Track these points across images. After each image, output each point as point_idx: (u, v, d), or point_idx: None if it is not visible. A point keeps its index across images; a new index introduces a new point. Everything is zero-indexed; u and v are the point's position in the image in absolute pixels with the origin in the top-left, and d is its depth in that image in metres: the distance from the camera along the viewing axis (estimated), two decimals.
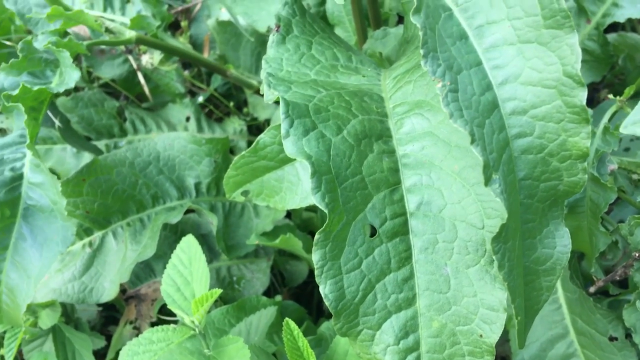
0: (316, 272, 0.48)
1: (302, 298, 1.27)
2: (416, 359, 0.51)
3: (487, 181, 0.42)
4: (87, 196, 0.94)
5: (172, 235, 1.10)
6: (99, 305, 1.20)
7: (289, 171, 0.73)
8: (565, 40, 0.44)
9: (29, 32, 1.36)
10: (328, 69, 0.61)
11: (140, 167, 1.00)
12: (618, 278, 0.77)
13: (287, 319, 0.72)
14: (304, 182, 0.72)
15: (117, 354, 1.09)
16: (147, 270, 1.11)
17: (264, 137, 0.70)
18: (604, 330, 0.87)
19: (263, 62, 0.59)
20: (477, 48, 0.45)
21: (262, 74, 0.57)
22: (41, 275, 0.78)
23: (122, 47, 1.29)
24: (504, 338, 1.06)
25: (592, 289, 0.85)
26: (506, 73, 0.45)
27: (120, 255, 0.96)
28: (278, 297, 1.05)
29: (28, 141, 0.74)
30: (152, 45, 1.03)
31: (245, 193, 0.78)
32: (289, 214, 1.19)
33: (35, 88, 0.75)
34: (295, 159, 0.72)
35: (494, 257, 0.47)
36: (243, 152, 0.72)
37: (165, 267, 1.11)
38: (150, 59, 1.26)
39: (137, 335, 1.08)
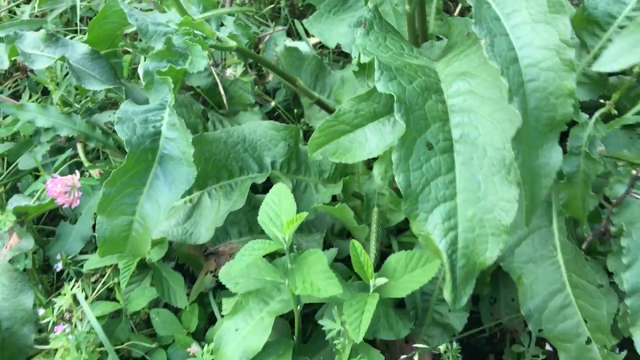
0: (394, 167, 0.75)
1: None
2: (454, 235, 0.77)
3: (510, 100, 0.68)
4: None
5: (247, 206, 1.36)
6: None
7: (359, 134, 1.00)
8: (561, 20, 0.72)
9: (133, 47, 1.68)
10: (398, 54, 0.89)
11: (231, 145, 1.28)
12: (602, 230, 1.02)
13: (353, 240, 0.98)
14: (370, 142, 0.99)
15: (199, 296, 1.34)
16: (224, 233, 1.37)
17: (344, 106, 0.97)
18: (593, 280, 1.10)
19: (353, 46, 0.88)
20: (505, 26, 0.73)
21: (355, 52, 0.86)
22: (169, 206, 1.04)
23: (210, 61, 1.59)
24: (514, 296, 1.29)
25: (584, 246, 1.10)
26: (524, 41, 0.72)
27: (215, 209, 1.23)
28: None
29: (172, 103, 1.02)
30: (247, 55, 1.33)
31: (323, 153, 1.05)
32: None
33: (178, 68, 1.04)
34: (364, 125, 1.00)
35: (512, 164, 0.73)
36: (327, 118, 0.99)
37: (239, 233, 1.38)
38: (234, 71, 1.56)
39: (217, 284, 1.34)
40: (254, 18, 1.89)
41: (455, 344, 1.28)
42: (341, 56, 1.86)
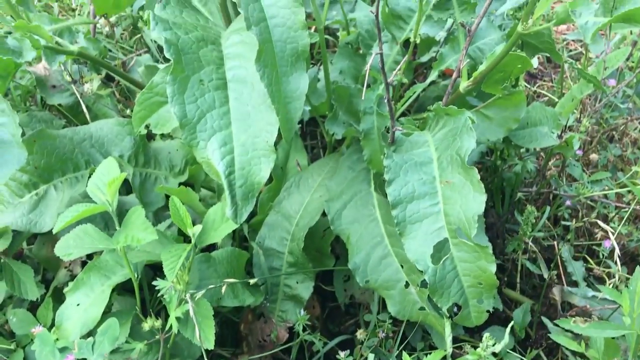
0: (169, 100, 0.86)
1: None
2: (231, 159, 0.88)
3: (248, 28, 0.82)
4: (35, 154, 1.29)
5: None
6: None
7: None
8: None
9: None
10: (190, 23, 1.03)
11: (77, 141, 1.36)
12: None
13: (172, 196, 1.08)
14: None
15: (56, 292, 1.38)
16: None
17: (155, 78, 1.09)
18: None
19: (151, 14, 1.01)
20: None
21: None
22: (0, 184, 1.11)
23: (68, 79, 1.69)
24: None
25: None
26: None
27: (60, 199, 1.30)
28: None
29: (1, 92, 1.11)
30: (89, 59, 1.44)
31: (146, 127, 1.16)
32: None
33: (5, 58, 1.14)
34: None
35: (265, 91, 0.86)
36: (142, 90, 1.11)
37: None
38: (90, 86, 1.67)
39: (71, 277, 1.39)
40: (120, 47, 2.01)
41: (303, 312, 1.37)
42: None
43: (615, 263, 1.41)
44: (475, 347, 1.41)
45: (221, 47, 0.94)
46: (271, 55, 0.86)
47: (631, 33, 1.96)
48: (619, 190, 1.75)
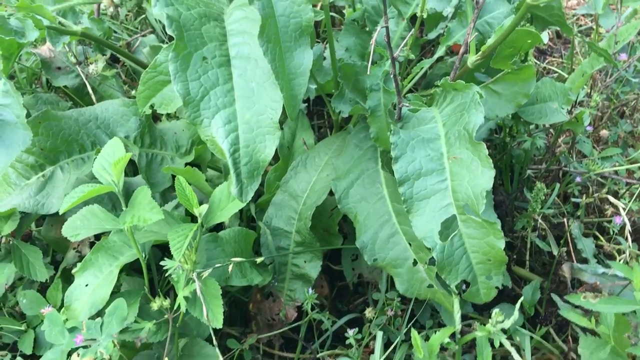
0: (172, 78, 0.85)
1: None
2: (235, 137, 0.87)
3: (251, 3, 0.81)
4: (41, 136, 1.29)
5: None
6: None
7: None
8: None
9: None
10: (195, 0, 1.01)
11: (82, 122, 1.36)
12: None
13: (178, 176, 1.07)
14: None
15: (65, 273, 1.39)
16: None
17: (159, 56, 1.08)
18: None
19: None
20: None
21: None
22: (6, 165, 1.10)
23: (73, 60, 1.68)
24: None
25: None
26: None
27: (66, 180, 1.29)
28: None
29: (6, 72, 1.10)
30: (93, 39, 1.42)
31: (151, 107, 1.15)
32: None
33: (7, 38, 1.13)
34: None
35: (269, 67, 0.85)
36: (146, 69, 1.09)
37: None
38: (95, 67, 1.66)
39: (79, 258, 1.39)
40: (125, 27, 2.00)
41: (311, 291, 1.37)
42: None
43: (626, 239, 1.39)
44: (484, 325, 1.41)
45: (224, 24, 0.93)
46: (274, 30, 0.85)
47: None
48: (629, 166, 1.72)
